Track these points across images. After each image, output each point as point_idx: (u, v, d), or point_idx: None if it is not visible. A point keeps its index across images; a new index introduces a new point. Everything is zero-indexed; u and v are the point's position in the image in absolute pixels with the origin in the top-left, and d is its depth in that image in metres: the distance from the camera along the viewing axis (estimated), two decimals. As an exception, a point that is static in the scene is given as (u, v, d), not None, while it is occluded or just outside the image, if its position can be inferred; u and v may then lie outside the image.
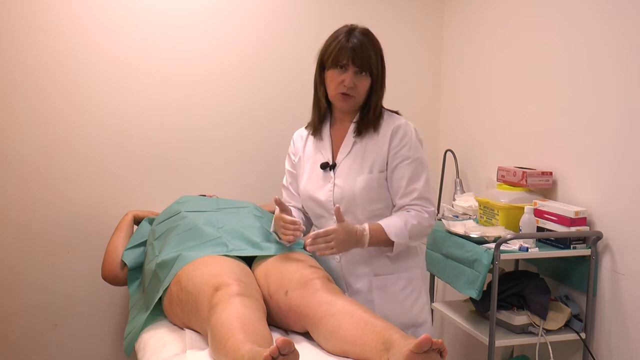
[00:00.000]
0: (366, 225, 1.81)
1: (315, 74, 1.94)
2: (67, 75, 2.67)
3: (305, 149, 2.02)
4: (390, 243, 1.84)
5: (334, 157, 1.94)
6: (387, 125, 1.90)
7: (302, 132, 2.07)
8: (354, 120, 1.92)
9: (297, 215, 2.00)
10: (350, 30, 1.85)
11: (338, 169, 1.91)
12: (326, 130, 1.98)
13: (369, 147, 1.89)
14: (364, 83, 1.85)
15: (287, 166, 2.08)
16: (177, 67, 2.81)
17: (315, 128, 1.98)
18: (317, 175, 1.94)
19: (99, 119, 2.72)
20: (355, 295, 1.91)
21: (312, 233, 1.78)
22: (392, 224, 1.84)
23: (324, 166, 1.93)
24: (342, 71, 1.84)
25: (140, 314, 2.02)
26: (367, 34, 1.86)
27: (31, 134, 2.65)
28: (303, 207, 2.06)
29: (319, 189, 1.93)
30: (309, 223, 2.08)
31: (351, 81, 1.83)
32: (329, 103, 1.95)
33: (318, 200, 1.93)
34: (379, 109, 1.91)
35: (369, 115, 1.89)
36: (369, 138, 1.90)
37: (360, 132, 1.90)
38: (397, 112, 1.96)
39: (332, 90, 1.87)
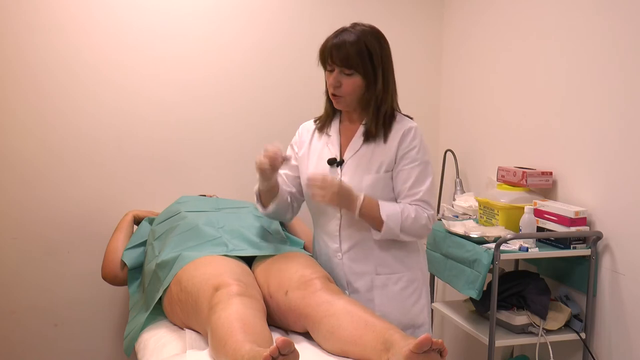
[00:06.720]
0: (362, 194, 1.81)
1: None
2: (68, 76, 2.67)
3: (311, 143, 2.00)
4: (380, 223, 1.82)
5: (341, 153, 1.93)
6: (397, 129, 1.88)
7: (309, 126, 2.04)
8: (363, 122, 1.91)
9: (285, 193, 2.01)
10: (342, 29, 1.84)
11: (345, 166, 1.90)
12: (335, 126, 1.97)
13: (378, 150, 1.88)
14: (350, 81, 1.82)
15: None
16: (177, 68, 2.81)
17: (322, 125, 1.98)
18: (323, 171, 1.92)
19: (99, 119, 2.73)
20: (356, 294, 1.90)
21: (311, 175, 1.83)
22: (388, 205, 1.83)
23: (332, 162, 1.91)
24: (330, 72, 1.84)
25: (140, 314, 2.02)
26: (358, 32, 1.80)
27: (31, 134, 2.65)
28: (291, 196, 2.04)
29: None
30: (292, 209, 2.06)
31: (335, 80, 1.82)
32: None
33: None
34: (384, 112, 1.87)
35: (376, 121, 1.87)
36: (375, 146, 1.88)
37: (367, 138, 1.89)
38: (409, 117, 1.95)
39: (328, 92, 1.89)
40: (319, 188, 1.77)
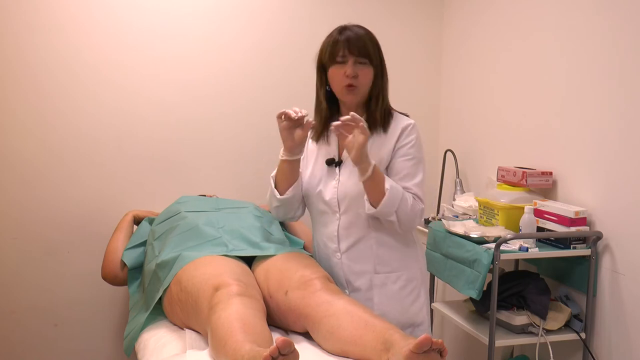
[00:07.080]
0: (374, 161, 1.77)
1: (316, 79, 1.94)
2: (68, 76, 2.67)
3: (309, 143, 2.00)
4: (381, 194, 1.77)
5: (339, 153, 1.93)
6: (395, 126, 1.89)
7: None
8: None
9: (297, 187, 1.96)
10: (342, 27, 1.87)
11: (343, 166, 1.90)
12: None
13: (375, 147, 1.87)
14: (366, 72, 1.84)
15: None
16: (177, 68, 2.81)
17: (319, 134, 1.96)
18: (322, 171, 1.93)
19: (99, 119, 2.73)
20: (355, 293, 1.90)
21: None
22: (392, 182, 1.81)
23: (330, 162, 1.92)
24: (342, 65, 1.84)
25: (140, 314, 2.02)
26: (360, 27, 1.87)
27: (31, 134, 2.65)
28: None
29: (323, 185, 1.92)
30: (302, 207, 2.03)
31: (353, 70, 1.82)
32: (331, 104, 1.94)
33: (321, 197, 1.92)
34: (385, 105, 1.90)
35: (376, 113, 1.88)
36: (376, 138, 1.88)
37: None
38: (406, 115, 1.95)
39: (337, 86, 1.86)
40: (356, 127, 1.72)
